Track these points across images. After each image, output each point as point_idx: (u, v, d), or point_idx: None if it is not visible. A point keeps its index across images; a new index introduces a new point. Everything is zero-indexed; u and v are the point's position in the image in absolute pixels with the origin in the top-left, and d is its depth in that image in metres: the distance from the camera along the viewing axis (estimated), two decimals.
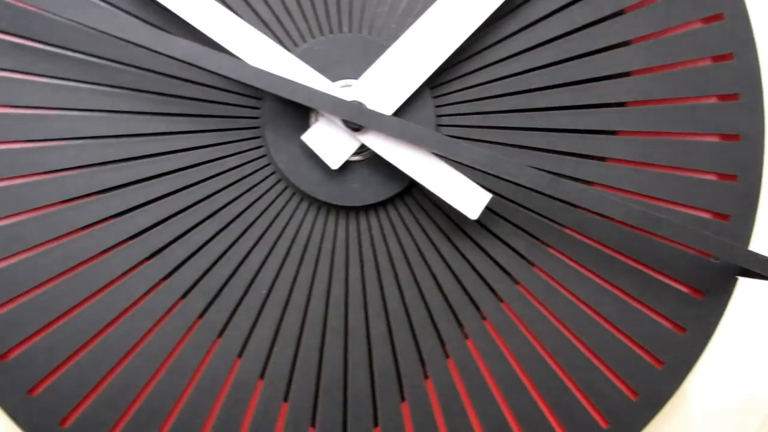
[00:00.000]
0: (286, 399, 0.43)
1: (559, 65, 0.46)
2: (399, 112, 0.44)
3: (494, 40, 0.45)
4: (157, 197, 0.43)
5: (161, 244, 0.43)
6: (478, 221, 0.44)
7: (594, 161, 0.45)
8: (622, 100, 0.46)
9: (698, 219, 0.46)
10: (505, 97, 0.45)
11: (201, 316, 0.43)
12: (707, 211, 0.46)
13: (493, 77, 0.45)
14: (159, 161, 0.43)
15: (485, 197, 0.43)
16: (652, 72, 0.46)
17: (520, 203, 0.45)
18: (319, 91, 0.41)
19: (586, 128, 0.45)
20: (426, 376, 0.44)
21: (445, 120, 0.45)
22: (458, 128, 0.45)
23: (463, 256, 0.44)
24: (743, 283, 0.47)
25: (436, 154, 0.43)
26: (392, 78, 0.43)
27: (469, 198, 0.43)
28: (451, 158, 0.42)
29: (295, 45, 0.45)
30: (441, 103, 0.45)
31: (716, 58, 0.47)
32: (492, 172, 0.42)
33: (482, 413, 0.44)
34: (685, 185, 0.45)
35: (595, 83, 0.46)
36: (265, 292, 0.43)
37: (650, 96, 0.46)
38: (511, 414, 0.44)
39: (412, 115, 0.44)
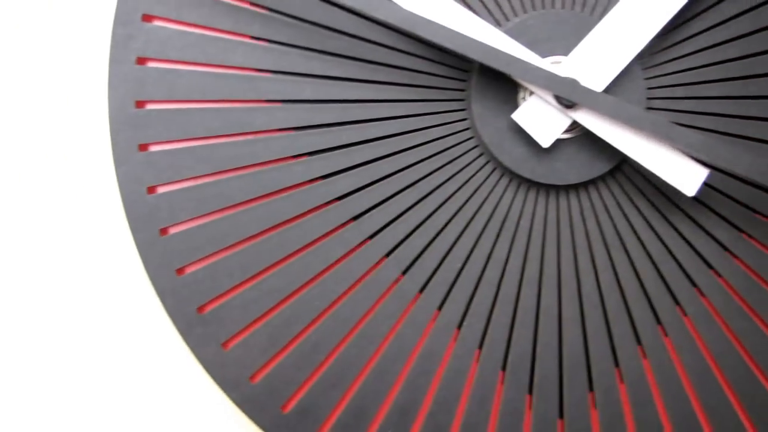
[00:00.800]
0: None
1: None
2: (608, 89, 0.43)
3: (715, 22, 0.44)
4: (360, 163, 0.44)
5: (361, 210, 0.44)
6: (681, 208, 0.43)
7: None
8: None
9: None
10: (720, 83, 0.43)
11: (395, 282, 0.43)
12: None
13: (710, 61, 0.43)
14: (364, 128, 0.44)
15: (702, 173, 0.41)
16: None
17: (726, 193, 0.43)
18: (535, 65, 0.41)
19: None
20: (616, 365, 0.43)
21: (656, 103, 0.43)
22: (669, 112, 0.43)
23: (663, 242, 0.43)
24: None
25: None
26: (602, 54, 0.42)
27: (685, 174, 0.41)
28: (665, 141, 0.41)
29: (507, 19, 0.44)
30: (653, 85, 0.44)
31: None
32: (707, 159, 0.41)
33: (671, 406, 0.42)
34: None
35: None
36: (459, 264, 0.43)
37: None
38: (701, 409, 0.42)
39: (622, 92, 0.43)
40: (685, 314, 0.43)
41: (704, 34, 0.44)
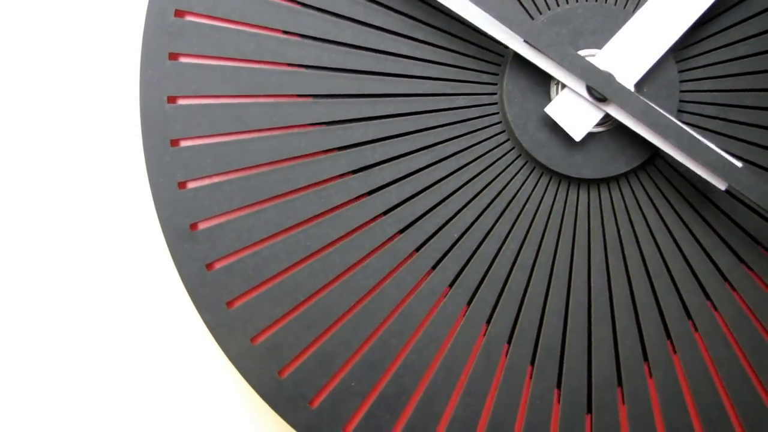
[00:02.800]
0: None
1: None
2: (644, 91, 0.43)
3: (760, 50, 0.43)
4: (381, 116, 0.44)
5: (371, 162, 0.44)
6: (685, 224, 0.43)
7: None
8: None
9: None
10: (756, 93, 0.43)
11: (390, 239, 0.43)
12: None
13: (748, 69, 0.43)
14: (393, 81, 0.44)
15: (735, 168, 0.41)
16: None
17: (732, 217, 0.43)
18: (574, 52, 0.41)
19: None
20: (589, 353, 0.42)
21: (685, 117, 0.43)
22: (695, 128, 0.43)
23: (662, 255, 0.43)
24: None
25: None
26: (635, 48, 0.42)
27: (716, 168, 0.41)
28: (686, 152, 0.41)
29: (540, 11, 0.44)
30: (686, 99, 0.43)
31: None
32: (724, 180, 0.40)
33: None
34: None
35: None
36: (457, 235, 0.43)
37: None
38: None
39: (656, 98, 0.42)
40: (672, 340, 0.43)
41: (744, 42, 0.43)
